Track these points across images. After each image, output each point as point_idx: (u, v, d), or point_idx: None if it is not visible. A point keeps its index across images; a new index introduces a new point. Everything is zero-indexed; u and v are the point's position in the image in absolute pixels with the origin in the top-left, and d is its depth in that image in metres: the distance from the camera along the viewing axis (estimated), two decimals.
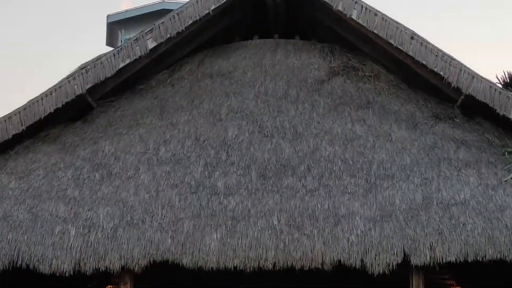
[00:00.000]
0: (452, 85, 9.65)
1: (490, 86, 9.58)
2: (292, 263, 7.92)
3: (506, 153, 9.13)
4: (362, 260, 7.84)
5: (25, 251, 8.07)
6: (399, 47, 10.08)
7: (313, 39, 11.71)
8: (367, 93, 10.41)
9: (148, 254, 8.01)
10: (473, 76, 9.55)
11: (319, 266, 7.89)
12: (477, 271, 9.31)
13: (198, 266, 8.00)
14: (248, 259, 7.92)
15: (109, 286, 12.23)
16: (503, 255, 7.76)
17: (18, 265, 8.13)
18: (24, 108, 9.57)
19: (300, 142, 9.46)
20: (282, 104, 10.15)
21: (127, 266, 8.03)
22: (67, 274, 8.07)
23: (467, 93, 9.51)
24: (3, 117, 9.51)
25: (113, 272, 8.28)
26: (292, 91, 10.40)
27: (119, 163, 9.26)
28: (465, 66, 9.78)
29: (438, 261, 7.88)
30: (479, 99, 9.45)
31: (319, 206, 8.34)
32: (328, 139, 9.47)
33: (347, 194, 8.54)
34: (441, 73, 9.72)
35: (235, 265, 7.93)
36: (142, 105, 10.42)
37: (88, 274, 8.18)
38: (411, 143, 9.42)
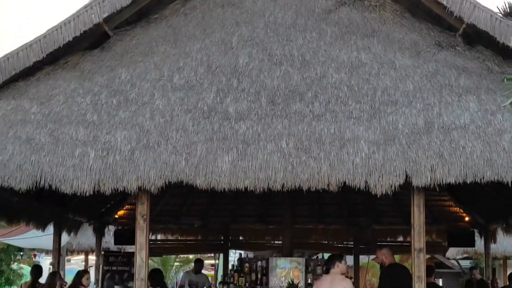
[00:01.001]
0: (454, 14, 8.98)
1: (491, 15, 8.95)
2: (299, 184, 7.55)
3: (505, 79, 8.61)
4: (366, 182, 7.40)
5: (48, 172, 7.71)
6: None
7: None
8: (372, 22, 9.85)
9: (163, 176, 7.63)
10: (475, 5, 8.88)
11: (325, 187, 7.52)
12: (474, 192, 8.95)
13: (211, 187, 7.64)
14: (258, 180, 7.52)
15: (127, 205, 12.03)
16: (500, 176, 7.29)
17: (41, 186, 7.78)
18: (44, 36, 9.03)
19: (308, 69, 8.98)
20: (290, 33, 9.64)
21: (144, 187, 7.65)
22: (87, 194, 7.72)
23: (469, 22, 8.87)
24: (24, 44, 9.05)
25: (131, 192, 7.95)
26: (300, 20, 9.85)
27: (135, 89, 8.82)
28: None
29: (438, 183, 7.46)
30: (480, 27, 8.85)
31: (325, 130, 7.91)
32: (334, 66, 8.96)
33: (352, 119, 8.09)
34: (444, 2, 9.11)
35: (246, 186, 7.57)
36: (156, 34, 9.93)
37: (107, 194, 7.86)
38: (414, 70, 8.88)
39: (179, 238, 16.50)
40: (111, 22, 9.47)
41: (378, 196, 7.65)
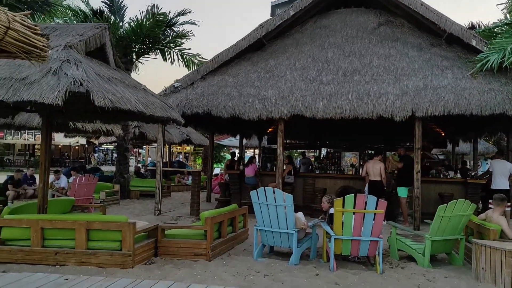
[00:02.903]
0: (442, 27, 10.26)
1: (461, 28, 10.25)
2: (356, 116, 9.20)
3: (467, 62, 9.80)
4: (391, 114, 9.05)
5: (236, 109, 9.79)
6: (415, 9, 10.55)
7: (370, 7, 11.91)
8: (396, 33, 11.05)
9: (290, 111, 9.52)
10: (453, 23, 10.17)
11: (371, 117, 9.15)
12: (448, 120, 9.96)
13: (313, 116, 9.42)
14: (336, 113, 9.25)
15: (273, 126, 13.74)
16: (462, 111, 8.79)
17: (234, 116, 9.80)
18: (235, 44, 10.99)
19: (362, 59, 10.41)
20: (354, 40, 10.97)
21: (281, 116, 9.60)
22: (255, 119, 9.71)
23: (449, 32, 10.21)
24: (225, 49, 10.96)
25: (275, 119, 9.79)
26: (359, 33, 11.16)
27: (277, 70, 10.53)
28: (448, 18, 10.25)
29: (429, 115, 8.99)
30: (455, 34, 10.17)
31: (371, 89, 9.52)
32: (376, 57, 10.42)
33: (385, 83, 9.61)
34: (435, 21, 10.33)
35: (331, 116, 9.29)
36: (288, 43, 11.39)
37: (264, 119, 9.78)
38: (418, 58, 10.20)
39: (297, 142, 18.68)
40: (265, 37, 11.24)
41: (397, 122, 9.10)
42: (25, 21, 1.62)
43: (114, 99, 5.78)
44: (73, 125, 11.30)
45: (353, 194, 5.75)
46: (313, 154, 28.27)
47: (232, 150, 16.56)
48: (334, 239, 5.85)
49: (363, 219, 5.78)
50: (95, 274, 5.33)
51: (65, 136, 20.90)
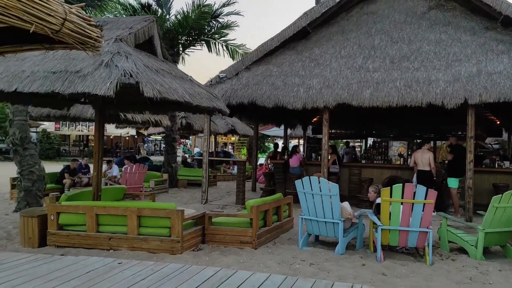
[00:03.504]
0: (497, 10, 9.83)
1: None
2: (405, 104, 8.95)
3: None
4: (442, 102, 8.77)
5: (280, 99, 9.75)
6: None
7: None
8: (448, 17, 10.63)
9: (335, 100, 9.36)
10: (509, 5, 9.68)
11: (420, 105, 8.87)
12: (503, 107, 9.46)
13: (359, 105, 9.24)
14: (383, 102, 9.05)
15: (318, 116, 13.55)
16: None
17: (279, 105, 9.76)
18: (279, 34, 10.94)
19: (411, 44, 10.11)
20: (402, 26, 10.65)
21: (326, 105, 9.47)
22: (299, 108, 9.67)
23: (505, 14, 9.72)
24: (269, 38, 10.98)
25: (320, 108, 9.69)
26: (408, 18, 10.81)
27: (322, 58, 10.41)
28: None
29: (483, 102, 8.65)
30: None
31: (420, 76, 9.24)
32: (426, 42, 10.07)
33: (435, 70, 9.33)
34: (490, 3, 9.94)
35: (378, 104, 9.10)
36: (333, 30, 11.18)
37: (308, 108, 9.70)
38: (471, 42, 9.80)
39: (342, 131, 18.38)
40: (310, 25, 11.09)
41: (449, 109, 8.80)
42: (80, 13, 1.69)
43: (162, 90, 5.92)
44: (123, 116, 11.71)
45: (401, 184, 5.61)
46: (359, 144, 27.85)
47: (275, 141, 16.57)
48: (381, 229, 5.73)
49: (412, 210, 5.63)
50: (146, 259, 5.53)
51: (116, 127, 21.70)
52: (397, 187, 5.60)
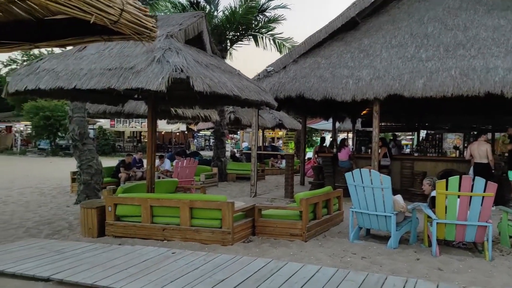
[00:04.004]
0: None
1: None
2: (461, 93, 8.59)
3: None
4: (501, 91, 8.34)
5: (328, 91, 9.62)
6: None
7: None
8: (507, 2, 10.18)
9: (386, 91, 9.14)
10: None
11: (477, 94, 8.47)
12: None
13: (411, 96, 8.94)
14: (437, 92, 8.71)
15: (368, 108, 13.56)
16: None
17: (327, 98, 9.61)
18: (327, 25, 10.84)
19: (467, 31, 9.71)
20: (457, 12, 10.28)
21: (376, 97, 9.23)
22: (348, 100, 9.46)
23: None
24: (318, 30, 10.84)
25: (370, 100, 9.45)
26: (464, 4, 10.43)
27: (372, 49, 10.20)
28: None
29: None
30: None
31: (477, 64, 8.85)
32: (483, 28, 9.64)
33: (493, 57, 8.89)
34: None
35: (431, 95, 8.77)
36: (383, 20, 10.97)
37: (358, 100, 9.47)
38: None
39: (392, 124, 17.92)
40: (359, 15, 10.89)
41: (509, 98, 8.34)
42: (136, 3, 1.74)
43: (211, 84, 6.00)
44: (174, 112, 12.01)
45: (457, 176, 5.37)
46: (411, 137, 26.93)
47: (322, 135, 16.38)
48: (437, 223, 5.52)
49: (470, 203, 5.37)
50: (198, 249, 5.65)
51: (168, 123, 22.23)
52: (454, 179, 5.37)
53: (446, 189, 5.44)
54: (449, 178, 5.40)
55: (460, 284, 4.32)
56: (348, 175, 6.25)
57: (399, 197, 6.32)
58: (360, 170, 6.13)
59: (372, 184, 6.00)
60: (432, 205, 5.85)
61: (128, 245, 5.86)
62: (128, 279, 4.30)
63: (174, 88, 6.40)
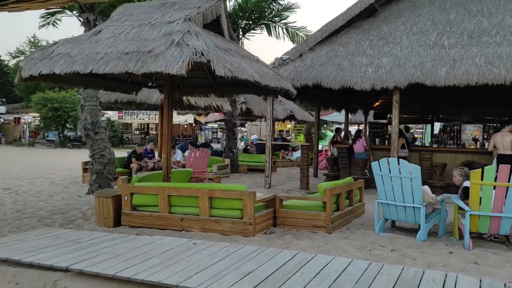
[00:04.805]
0: None
1: None
2: (486, 82, 8.33)
3: None
4: None
5: (347, 80, 9.41)
6: None
7: None
8: None
9: (407, 80, 8.87)
10: None
11: (503, 82, 8.22)
12: None
13: (433, 84, 8.64)
14: (461, 80, 8.46)
15: (380, 100, 13.30)
16: None
17: (345, 87, 9.40)
18: (345, 12, 10.54)
19: (492, 18, 9.42)
20: None
21: (397, 85, 8.95)
22: (367, 89, 9.21)
23: None
24: (335, 17, 10.62)
25: (390, 89, 9.20)
26: None
27: (392, 36, 9.93)
28: None
29: None
30: None
31: (503, 51, 8.58)
32: (509, 14, 9.35)
33: None
34: None
35: (455, 83, 8.52)
36: (402, 6, 10.64)
37: (377, 89, 9.26)
38: None
39: (407, 116, 17.08)
40: (377, 2, 10.60)
41: None
42: None
43: (232, 69, 5.75)
44: (187, 101, 11.79)
45: (494, 166, 5.09)
46: (421, 130, 26.48)
47: (336, 126, 15.98)
48: (470, 215, 5.25)
49: (506, 194, 5.09)
50: (219, 240, 5.43)
51: (178, 114, 21.95)
52: (490, 168, 5.09)
53: (482, 179, 5.15)
54: (485, 167, 5.13)
55: (502, 278, 4.05)
56: (375, 164, 6.00)
57: (427, 188, 6.06)
58: (387, 159, 5.86)
59: (400, 174, 5.73)
60: (464, 196, 5.57)
61: (146, 235, 5.64)
62: (151, 270, 4.09)
63: (190, 75, 6.17)
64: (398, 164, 5.77)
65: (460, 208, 5.56)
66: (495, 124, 12.86)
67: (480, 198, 5.23)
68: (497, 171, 5.21)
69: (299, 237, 5.73)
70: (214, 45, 6.04)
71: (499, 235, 5.57)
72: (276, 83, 6.98)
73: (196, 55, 5.41)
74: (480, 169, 5.19)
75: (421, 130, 27.17)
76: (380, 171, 5.93)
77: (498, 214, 5.17)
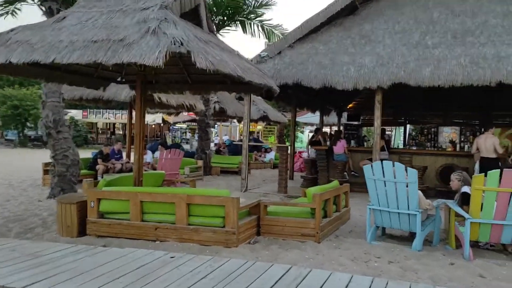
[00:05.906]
0: None
1: None
2: (471, 83, 8.16)
3: None
4: None
5: (328, 79, 9.03)
6: None
7: None
8: None
9: (391, 79, 8.63)
10: None
11: (489, 84, 8.01)
12: None
13: (417, 84, 8.42)
14: (446, 80, 8.26)
15: (353, 102, 12.99)
16: None
17: (327, 86, 8.98)
18: (326, 8, 10.18)
19: (475, 17, 9.31)
20: None
21: (380, 85, 8.72)
22: (349, 89, 8.86)
23: None
24: (314, 14, 10.24)
25: (373, 89, 8.90)
26: None
27: (374, 34, 9.70)
28: None
29: None
30: None
31: (488, 52, 8.45)
32: (492, 15, 9.28)
33: (504, 45, 8.54)
34: None
35: (439, 84, 8.32)
36: (384, 5, 10.47)
37: (360, 89, 8.99)
38: None
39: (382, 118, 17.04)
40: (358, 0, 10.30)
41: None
42: None
43: (215, 62, 5.18)
44: (158, 100, 11.09)
45: (498, 170, 4.75)
46: (389, 132, 26.50)
47: (316, 127, 15.61)
48: (471, 222, 4.89)
49: (509, 201, 4.76)
50: (198, 252, 4.87)
51: (147, 113, 21.13)
52: (494, 173, 4.74)
53: (484, 185, 4.80)
54: (489, 172, 4.77)
55: None
56: (367, 168, 5.56)
57: (421, 194, 5.66)
58: (381, 162, 5.44)
59: (394, 178, 5.32)
60: (462, 202, 5.22)
61: (115, 247, 5.00)
62: None
63: (163, 70, 5.61)
64: (393, 166, 5.34)
65: (457, 215, 5.19)
66: (478, 128, 12.69)
67: (482, 204, 4.87)
68: (485, 175, 4.87)
69: (286, 248, 5.22)
70: (194, 36, 5.44)
71: (495, 243, 5.24)
72: (260, 79, 6.48)
73: (174, 44, 4.81)
74: (482, 174, 4.83)
75: (388, 133, 27.18)
76: (373, 175, 5.50)
77: (501, 221, 4.81)
